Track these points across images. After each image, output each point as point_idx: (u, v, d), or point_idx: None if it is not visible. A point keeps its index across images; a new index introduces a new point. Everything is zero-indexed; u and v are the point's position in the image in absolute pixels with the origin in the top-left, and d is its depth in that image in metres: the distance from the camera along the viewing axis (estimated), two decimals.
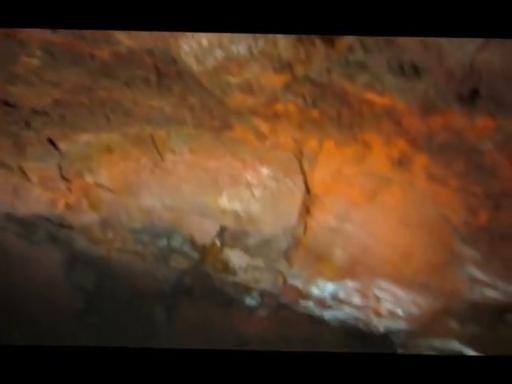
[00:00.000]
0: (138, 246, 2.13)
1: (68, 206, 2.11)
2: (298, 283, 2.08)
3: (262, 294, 2.13)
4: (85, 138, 2.00)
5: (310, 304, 2.10)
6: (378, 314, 2.04)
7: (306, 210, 2.01)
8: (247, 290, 2.13)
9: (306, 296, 2.09)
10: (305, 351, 2.01)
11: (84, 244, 2.15)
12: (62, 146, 2.03)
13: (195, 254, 2.12)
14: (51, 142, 2.03)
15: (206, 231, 2.09)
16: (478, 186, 1.81)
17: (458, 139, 1.81)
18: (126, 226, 2.11)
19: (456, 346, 2.00)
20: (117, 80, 1.88)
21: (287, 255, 2.06)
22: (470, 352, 1.98)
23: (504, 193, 1.79)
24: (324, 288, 2.06)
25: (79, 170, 2.07)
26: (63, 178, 2.08)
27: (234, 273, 2.11)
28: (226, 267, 2.12)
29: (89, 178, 2.07)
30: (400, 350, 2.08)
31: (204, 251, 2.11)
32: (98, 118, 1.96)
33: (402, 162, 1.88)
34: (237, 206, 2.04)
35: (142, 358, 1.91)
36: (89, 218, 2.11)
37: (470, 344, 1.97)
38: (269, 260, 2.08)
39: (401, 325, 2.04)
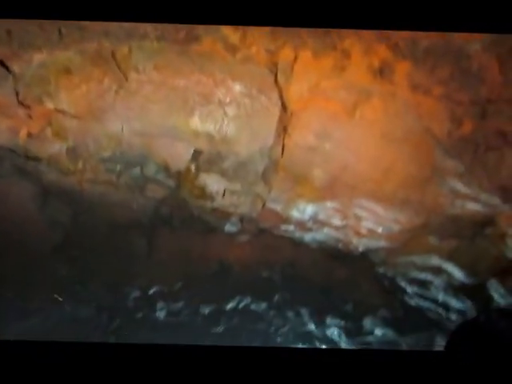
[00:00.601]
0: (110, 176, 2.03)
1: (31, 136, 1.97)
2: (278, 207, 2.03)
3: (242, 219, 2.08)
4: (38, 57, 1.83)
5: (291, 227, 2.06)
6: (358, 234, 2.01)
7: (283, 128, 1.90)
8: (226, 215, 2.07)
9: (286, 220, 2.05)
10: (304, 347, 1.97)
11: (54, 176, 2.04)
12: (15, 67, 1.86)
13: (170, 182, 2.03)
14: (1, 63, 1.85)
15: (179, 156, 1.99)
16: (463, 92, 1.70)
17: (443, 42, 1.67)
18: (95, 154, 2.00)
19: (436, 261, 1.99)
20: None
21: (265, 177, 1.99)
22: (449, 266, 1.99)
23: (491, 99, 1.69)
24: (304, 210, 2.01)
25: (37, 95, 1.91)
26: (21, 104, 1.92)
27: (211, 198, 2.04)
28: (203, 193, 2.04)
29: (49, 104, 1.92)
30: (379, 269, 2.08)
31: (179, 178, 2.02)
32: (49, 33, 1.77)
33: (383, 72, 1.75)
34: (210, 127, 1.92)
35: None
36: (55, 147, 1.99)
37: (449, 258, 1.96)
38: (246, 183, 2.00)
39: (380, 243, 2.02)
